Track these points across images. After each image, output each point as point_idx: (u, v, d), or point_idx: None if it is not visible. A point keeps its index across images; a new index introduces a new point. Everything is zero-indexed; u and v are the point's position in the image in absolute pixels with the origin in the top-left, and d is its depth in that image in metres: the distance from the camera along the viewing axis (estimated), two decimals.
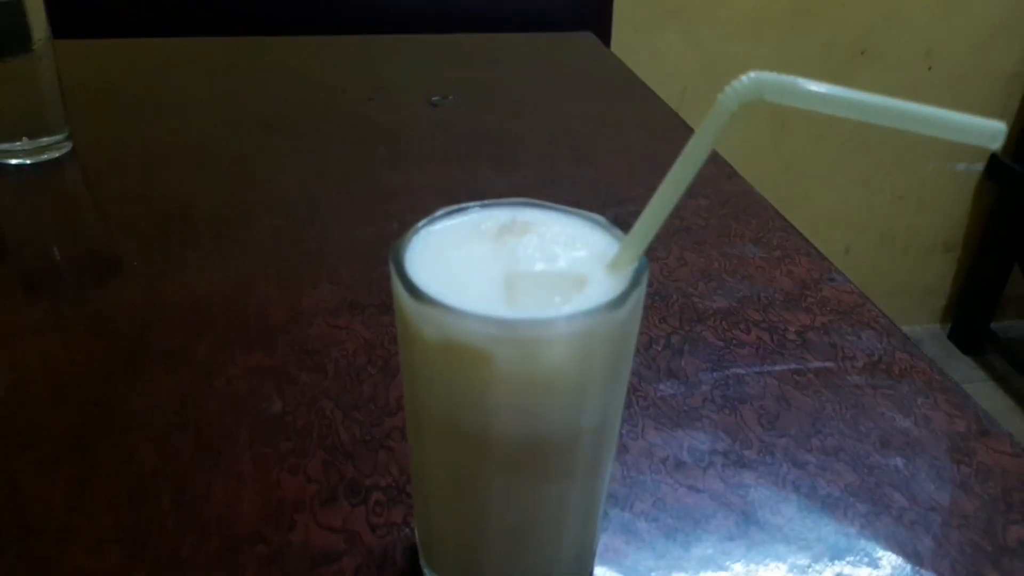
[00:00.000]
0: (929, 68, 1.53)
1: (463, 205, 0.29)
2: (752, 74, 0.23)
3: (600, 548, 0.35)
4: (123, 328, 0.49)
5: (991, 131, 0.22)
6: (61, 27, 0.73)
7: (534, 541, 0.29)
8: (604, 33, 1.23)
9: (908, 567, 0.34)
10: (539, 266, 0.26)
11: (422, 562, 0.33)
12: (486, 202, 0.29)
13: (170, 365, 0.46)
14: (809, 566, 0.34)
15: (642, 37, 1.38)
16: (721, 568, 0.34)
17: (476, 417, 0.25)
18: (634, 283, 0.24)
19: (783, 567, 0.34)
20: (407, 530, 0.35)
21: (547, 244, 0.27)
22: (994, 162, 1.63)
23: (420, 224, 0.27)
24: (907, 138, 1.60)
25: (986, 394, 1.69)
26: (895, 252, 1.77)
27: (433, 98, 0.87)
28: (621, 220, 0.66)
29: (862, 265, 1.74)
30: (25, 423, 0.41)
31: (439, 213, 0.28)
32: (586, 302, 0.24)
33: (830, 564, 0.34)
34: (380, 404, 0.43)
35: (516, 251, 0.26)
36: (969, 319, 1.80)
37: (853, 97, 0.23)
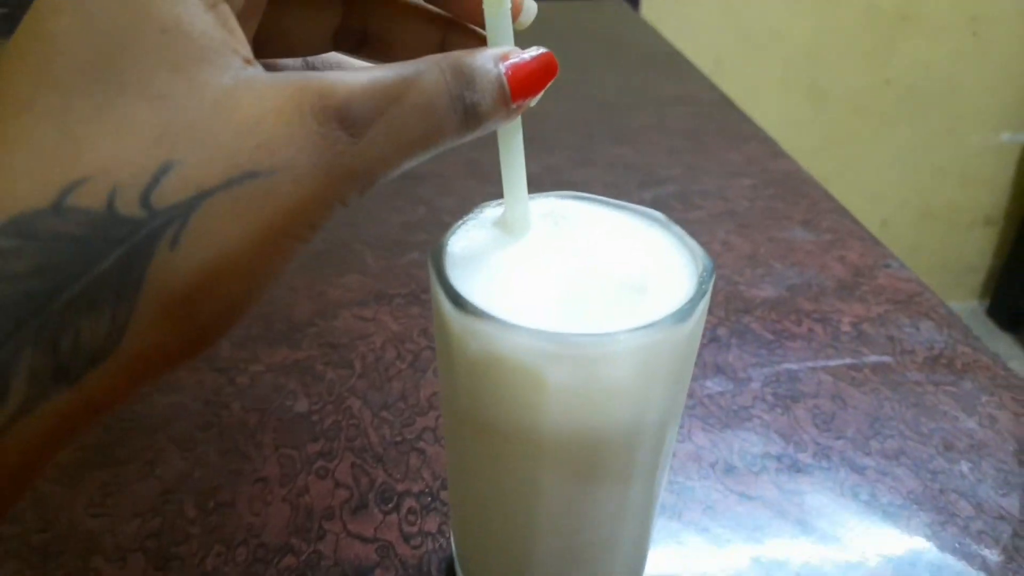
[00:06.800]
0: (974, 34, 1.47)
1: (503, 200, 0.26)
2: None
3: (647, 564, 0.33)
4: None
5: None
6: None
7: (585, 556, 0.27)
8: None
9: None
10: (592, 269, 0.23)
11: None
12: (530, 195, 0.26)
13: (192, 364, 0.44)
14: None
15: (673, 4, 1.33)
16: None
17: (525, 433, 0.23)
18: (700, 292, 0.22)
19: None
20: (442, 540, 0.34)
21: (599, 243, 0.24)
22: None
23: (462, 220, 0.25)
24: (950, 109, 1.53)
25: None
26: (935, 227, 1.71)
27: None
28: (661, 201, 0.62)
29: (900, 240, 1.68)
30: None
31: (480, 208, 0.26)
32: (647, 312, 0.21)
33: None
34: (410, 403, 0.41)
35: (565, 252, 0.24)
36: (1009, 295, 1.74)
37: None
